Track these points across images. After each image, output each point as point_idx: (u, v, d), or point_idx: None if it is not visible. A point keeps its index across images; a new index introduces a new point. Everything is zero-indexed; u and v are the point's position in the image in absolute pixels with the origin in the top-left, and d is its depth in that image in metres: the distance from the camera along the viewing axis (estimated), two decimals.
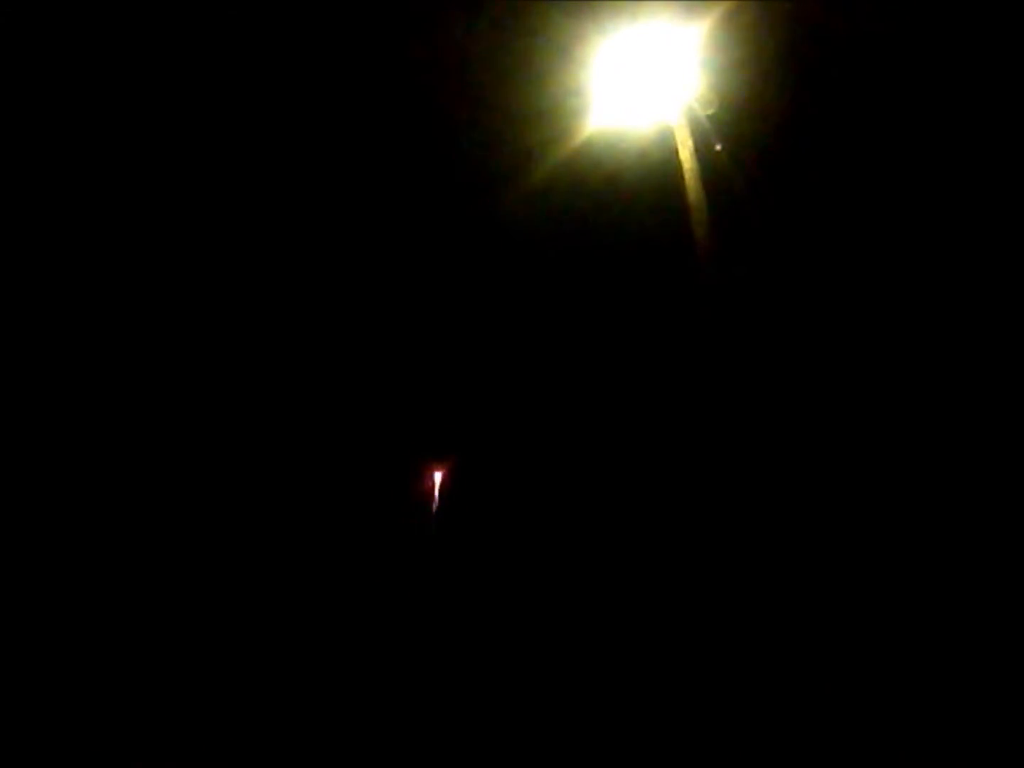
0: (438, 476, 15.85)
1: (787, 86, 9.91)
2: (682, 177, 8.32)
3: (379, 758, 9.02)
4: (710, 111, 8.43)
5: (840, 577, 9.40)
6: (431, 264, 11.41)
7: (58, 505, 11.13)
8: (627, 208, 10.46)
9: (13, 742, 8.88)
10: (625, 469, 11.52)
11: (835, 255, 10.51)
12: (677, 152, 8.37)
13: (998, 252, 9.97)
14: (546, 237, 11.11)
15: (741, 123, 9.20)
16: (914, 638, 8.88)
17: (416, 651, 11.09)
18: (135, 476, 11.66)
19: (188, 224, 11.61)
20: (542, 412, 11.78)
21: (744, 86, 9.22)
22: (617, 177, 9.73)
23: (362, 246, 11.38)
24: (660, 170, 8.69)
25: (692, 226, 8.44)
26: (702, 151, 8.41)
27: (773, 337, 10.32)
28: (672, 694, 9.52)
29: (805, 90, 10.03)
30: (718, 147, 8.63)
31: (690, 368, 10.65)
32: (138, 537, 11.46)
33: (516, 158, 9.94)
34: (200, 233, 11.59)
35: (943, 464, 9.73)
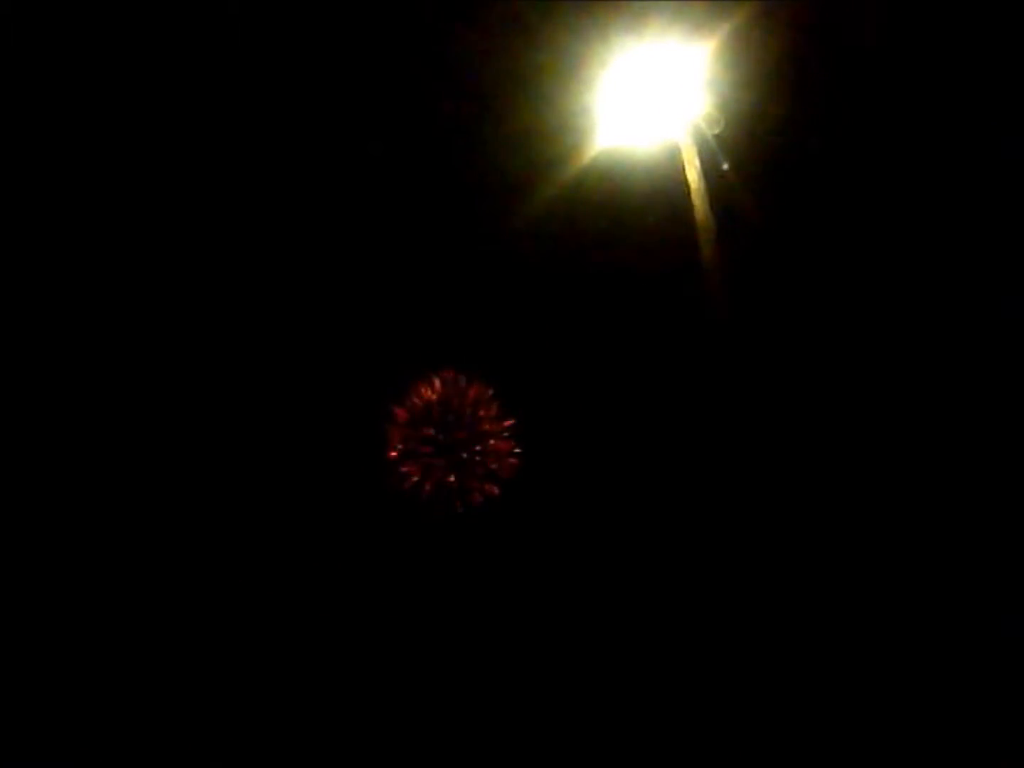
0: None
1: (793, 105, 9.95)
2: (689, 195, 8.35)
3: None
4: (716, 130, 8.48)
5: (841, 577, 9.39)
6: (437, 281, 11.44)
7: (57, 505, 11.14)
8: (634, 225, 10.49)
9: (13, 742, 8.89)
10: (629, 491, 11.51)
11: (842, 272, 10.52)
12: (684, 171, 8.41)
13: (1004, 268, 9.99)
14: (554, 255, 11.14)
15: (747, 142, 9.24)
16: (914, 638, 8.86)
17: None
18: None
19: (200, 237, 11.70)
20: (541, 434, 11.70)
21: (750, 105, 9.26)
22: (624, 196, 9.77)
23: (367, 262, 11.43)
24: (667, 188, 8.72)
25: (699, 243, 8.47)
26: (709, 169, 8.44)
27: (779, 353, 10.32)
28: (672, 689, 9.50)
29: (811, 109, 10.07)
30: (724, 166, 8.66)
31: (697, 384, 10.65)
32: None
33: (524, 177, 9.98)
34: (207, 242, 11.67)
35: (944, 467, 9.73)
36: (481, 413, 11.23)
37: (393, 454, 11.21)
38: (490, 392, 11.19)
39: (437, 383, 11.18)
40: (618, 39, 8.20)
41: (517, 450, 11.18)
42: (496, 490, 11.25)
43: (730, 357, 9.17)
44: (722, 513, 10.01)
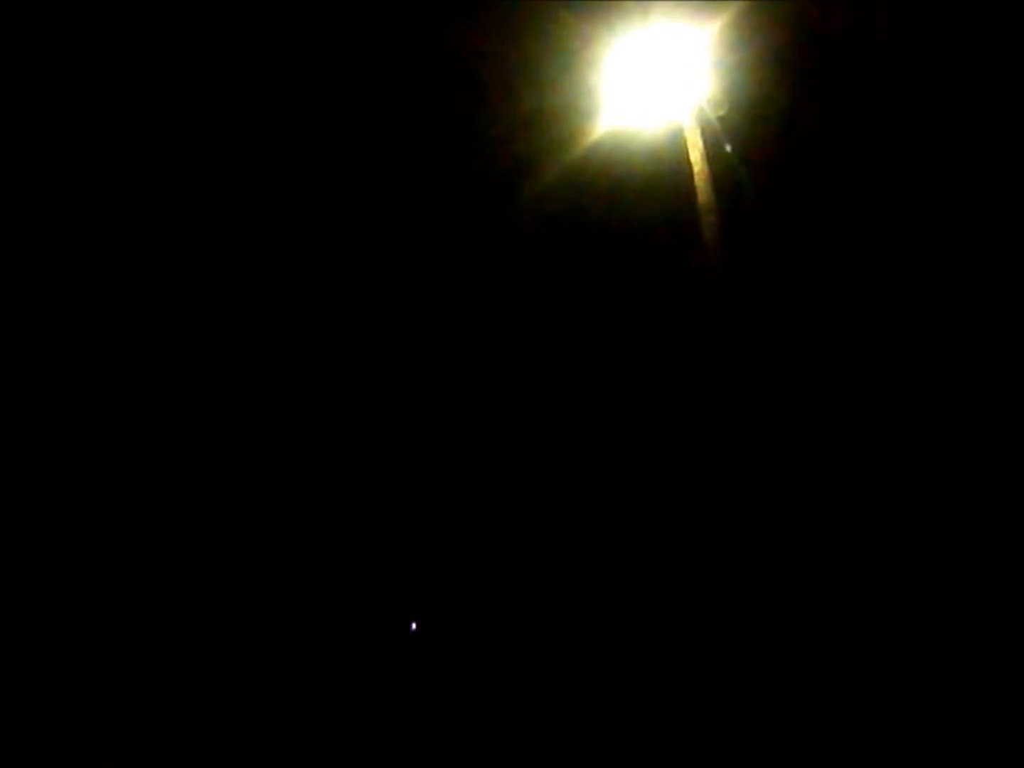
0: None
1: (798, 88, 9.88)
2: (692, 179, 8.30)
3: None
4: (721, 113, 8.42)
5: (842, 578, 9.38)
6: (439, 266, 11.42)
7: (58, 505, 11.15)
8: (637, 210, 10.44)
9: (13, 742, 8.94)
10: (627, 477, 11.51)
11: (845, 257, 10.48)
12: (687, 154, 8.36)
13: (1002, 252, 9.93)
14: (555, 238, 11.11)
15: (752, 125, 9.18)
16: (915, 639, 8.86)
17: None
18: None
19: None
20: (541, 418, 11.71)
21: (755, 88, 9.19)
22: (627, 178, 9.72)
23: (367, 248, 11.41)
24: (670, 172, 8.67)
25: (701, 228, 8.43)
26: (712, 153, 8.39)
27: (781, 339, 10.30)
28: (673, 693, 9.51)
29: (816, 92, 10.00)
30: (728, 149, 8.61)
31: (698, 369, 10.63)
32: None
33: (526, 159, 9.93)
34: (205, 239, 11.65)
35: (945, 466, 9.70)
36: None
37: None
38: None
39: None
40: (622, 20, 8.13)
41: None
42: None
43: (732, 341, 9.15)
44: (722, 513, 10.03)
